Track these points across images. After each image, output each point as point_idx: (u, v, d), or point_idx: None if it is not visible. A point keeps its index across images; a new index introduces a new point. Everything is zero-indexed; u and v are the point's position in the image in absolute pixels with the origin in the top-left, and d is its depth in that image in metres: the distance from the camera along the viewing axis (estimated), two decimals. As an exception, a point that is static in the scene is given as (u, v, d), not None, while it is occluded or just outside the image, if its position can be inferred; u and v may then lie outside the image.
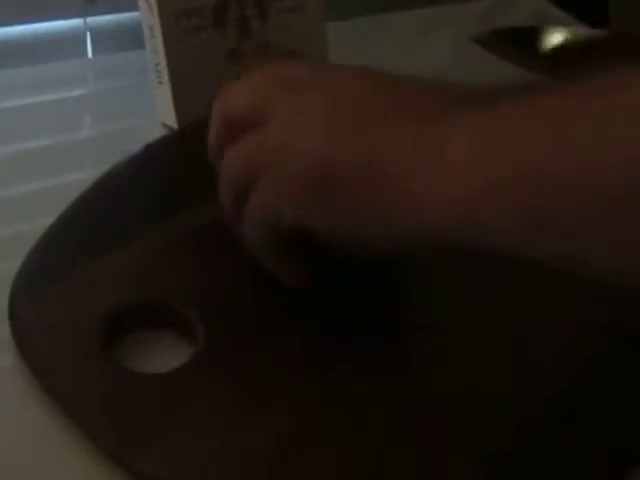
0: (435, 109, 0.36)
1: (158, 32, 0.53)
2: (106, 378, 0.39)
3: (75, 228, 0.47)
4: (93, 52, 0.67)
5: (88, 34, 0.67)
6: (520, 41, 0.65)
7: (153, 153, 0.52)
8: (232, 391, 0.39)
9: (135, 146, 0.52)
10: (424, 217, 0.34)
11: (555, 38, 0.65)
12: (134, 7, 0.55)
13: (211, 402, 0.38)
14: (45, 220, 0.47)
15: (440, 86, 0.38)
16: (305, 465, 0.36)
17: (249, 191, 0.39)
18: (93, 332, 0.40)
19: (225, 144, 0.41)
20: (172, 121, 0.56)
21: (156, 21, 0.53)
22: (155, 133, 0.55)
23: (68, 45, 0.67)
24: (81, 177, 0.51)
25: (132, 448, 0.36)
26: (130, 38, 0.60)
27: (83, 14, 0.67)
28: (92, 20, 0.68)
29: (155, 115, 0.57)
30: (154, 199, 0.49)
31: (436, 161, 0.34)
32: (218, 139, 0.42)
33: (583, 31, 0.67)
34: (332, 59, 0.59)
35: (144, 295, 0.43)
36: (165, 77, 0.54)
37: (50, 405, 0.39)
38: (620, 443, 0.37)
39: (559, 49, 0.64)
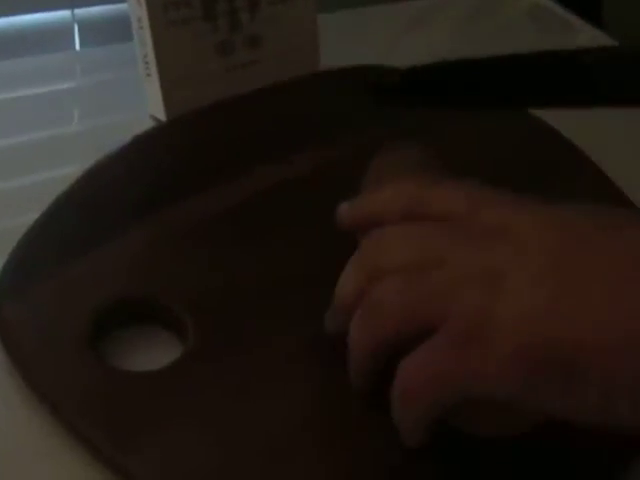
0: None
1: (146, 23, 0.52)
2: (92, 376, 0.38)
3: (60, 223, 0.46)
4: (81, 44, 0.67)
5: (76, 26, 0.67)
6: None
7: (140, 146, 0.52)
8: (223, 389, 0.38)
9: (124, 140, 0.52)
10: None
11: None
12: (122, -2, 0.54)
13: (201, 400, 0.38)
14: (32, 216, 0.46)
15: None
16: (298, 464, 0.35)
17: (407, 345, 0.33)
18: (79, 329, 0.40)
19: (369, 285, 0.35)
20: (161, 114, 0.55)
21: (144, 12, 0.52)
22: (144, 126, 0.54)
23: (55, 37, 0.66)
24: (69, 172, 0.50)
25: (119, 447, 0.36)
26: (118, 30, 0.59)
27: (70, 5, 0.67)
28: (80, 12, 0.67)
29: (145, 108, 0.56)
30: (142, 193, 0.48)
31: None
32: (358, 283, 0.36)
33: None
34: (321, 52, 0.59)
35: (131, 291, 0.42)
36: (153, 69, 0.54)
37: (35, 403, 0.38)
38: (609, 442, 0.36)
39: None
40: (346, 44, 0.64)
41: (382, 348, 0.35)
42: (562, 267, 0.31)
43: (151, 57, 0.53)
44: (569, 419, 0.31)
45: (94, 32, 0.67)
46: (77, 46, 0.67)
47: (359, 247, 0.37)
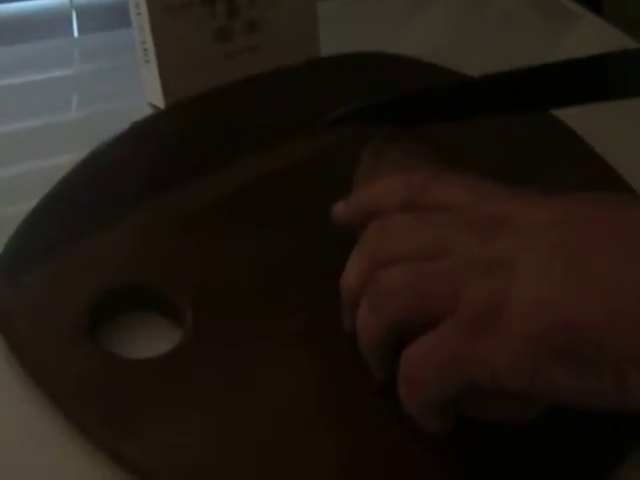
0: None
1: (144, 9, 0.52)
2: (90, 363, 0.38)
3: (57, 211, 0.46)
4: (79, 31, 0.66)
5: (74, 12, 0.66)
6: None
7: (138, 133, 0.51)
8: (222, 375, 0.38)
9: (123, 127, 0.51)
10: None
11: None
12: (120, -16, 0.54)
13: (200, 386, 0.37)
14: (30, 204, 0.46)
15: None
16: (301, 448, 0.35)
17: (418, 329, 0.33)
18: (77, 316, 0.40)
19: (374, 273, 0.34)
20: (159, 101, 0.55)
21: (142, -3, 0.52)
22: (143, 114, 0.54)
23: (53, 24, 0.66)
24: (67, 159, 0.50)
25: (118, 434, 0.36)
26: (117, 16, 0.59)
27: (68, -8, 0.66)
28: (77, -2, 0.66)
29: (143, 95, 0.56)
30: (139, 181, 0.48)
31: None
32: (362, 272, 0.35)
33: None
34: (321, 39, 0.58)
35: (129, 278, 0.42)
36: (151, 55, 0.53)
37: (33, 391, 0.38)
38: (603, 440, 0.37)
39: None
40: (346, 31, 0.63)
41: (389, 335, 0.34)
42: (568, 251, 0.31)
43: (149, 43, 0.53)
44: (581, 405, 0.31)
45: (92, 18, 0.66)
46: (75, 33, 0.66)
47: (361, 237, 0.37)
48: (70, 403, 0.37)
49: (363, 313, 0.35)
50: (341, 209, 0.40)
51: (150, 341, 0.40)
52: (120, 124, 0.52)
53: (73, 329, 0.39)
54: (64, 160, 0.50)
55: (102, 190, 0.47)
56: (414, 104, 0.43)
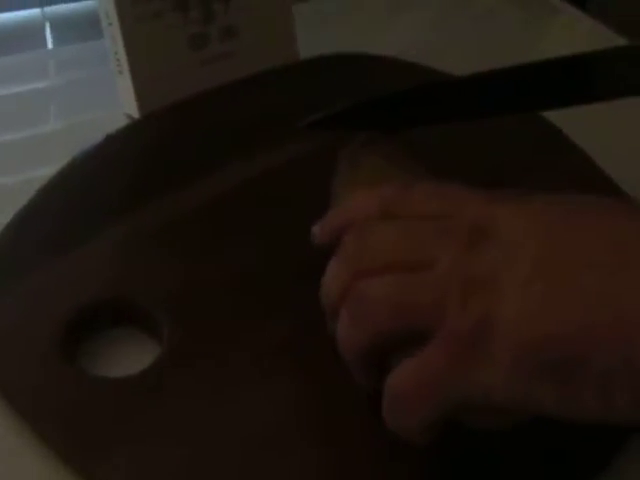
0: None
1: (114, 19, 0.51)
2: (64, 382, 0.37)
3: (33, 226, 0.45)
4: (53, 43, 0.65)
5: (47, 24, 0.65)
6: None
7: (112, 145, 0.50)
8: (201, 392, 0.37)
9: (100, 139, 0.51)
10: None
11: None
12: (91, -6, 0.53)
13: (178, 406, 0.37)
14: (6, 218, 0.45)
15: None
16: (281, 468, 0.35)
17: (399, 344, 0.32)
18: (53, 334, 0.39)
19: (355, 281, 0.34)
20: (134, 111, 0.54)
21: (111, 6, 0.50)
22: (120, 124, 0.53)
23: (27, 36, 0.65)
24: (44, 172, 0.49)
25: (89, 456, 0.35)
26: (91, 27, 0.58)
27: (40, 4, 0.65)
28: (50, 10, 0.66)
29: (120, 106, 0.55)
30: (116, 192, 0.47)
31: None
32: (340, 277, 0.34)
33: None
34: (303, 41, 0.58)
35: (107, 293, 0.41)
36: (125, 66, 0.52)
37: (4, 409, 0.37)
38: (586, 446, 0.36)
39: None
40: (326, 33, 0.63)
41: (371, 345, 0.33)
42: (549, 263, 0.30)
43: (122, 54, 0.52)
44: (565, 419, 0.30)
45: (66, 30, 0.66)
46: (49, 44, 0.66)
47: (341, 245, 0.36)
48: (43, 424, 0.36)
49: (343, 323, 0.34)
50: (318, 231, 0.39)
51: (129, 357, 0.39)
52: (97, 135, 0.51)
53: (48, 348, 0.38)
54: (41, 173, 0.49)
55: (79, 203, 0.46)
56: (394, 107, 0.42)
